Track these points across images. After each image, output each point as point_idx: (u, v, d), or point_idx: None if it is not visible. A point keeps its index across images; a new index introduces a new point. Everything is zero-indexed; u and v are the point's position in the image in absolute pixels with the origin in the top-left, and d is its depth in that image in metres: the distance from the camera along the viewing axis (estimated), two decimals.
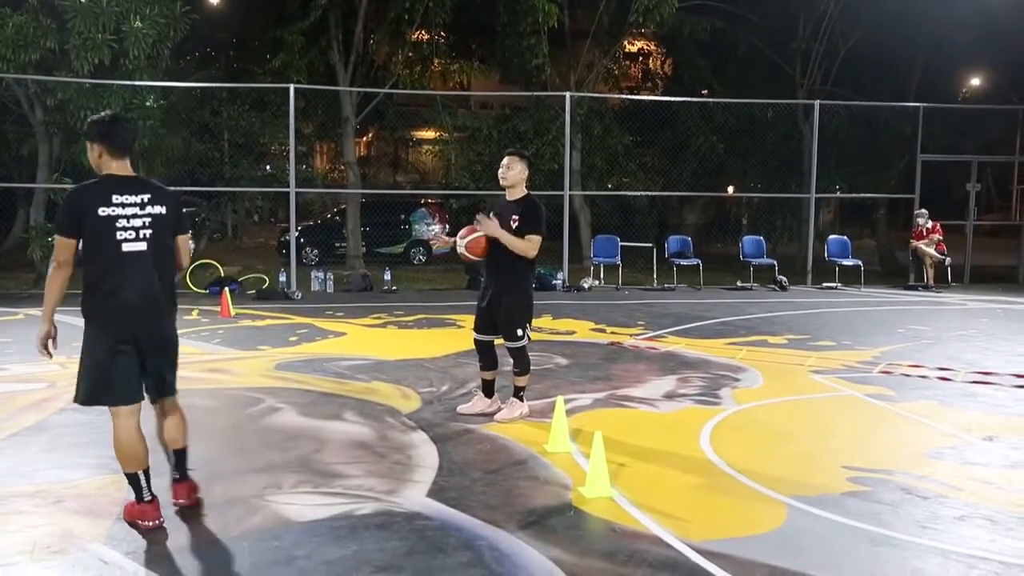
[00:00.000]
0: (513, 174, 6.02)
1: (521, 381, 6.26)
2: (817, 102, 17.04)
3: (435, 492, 4.73)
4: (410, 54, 19.06)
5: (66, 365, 7.81)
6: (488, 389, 6.35)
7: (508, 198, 6.12)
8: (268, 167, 24.73)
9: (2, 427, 5.85)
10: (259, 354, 8.60)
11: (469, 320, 11.01)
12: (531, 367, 6.32)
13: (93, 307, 4.17)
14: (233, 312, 11.16)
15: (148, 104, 14.73)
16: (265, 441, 5.64)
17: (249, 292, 13.64)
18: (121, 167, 4.25)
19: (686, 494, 4.77)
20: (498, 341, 6.23)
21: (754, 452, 5.55)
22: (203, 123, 20.23)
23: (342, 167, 20.99)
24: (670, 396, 7.04)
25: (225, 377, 7.49)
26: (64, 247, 4.11)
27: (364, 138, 32.72)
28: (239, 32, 22.19)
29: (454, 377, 7.63)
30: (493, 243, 5.98)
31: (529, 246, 5.92)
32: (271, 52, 18.85)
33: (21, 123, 15.77)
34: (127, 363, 4.19)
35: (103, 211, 4.09)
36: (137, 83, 14.31)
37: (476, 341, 6.24)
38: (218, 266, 14.73)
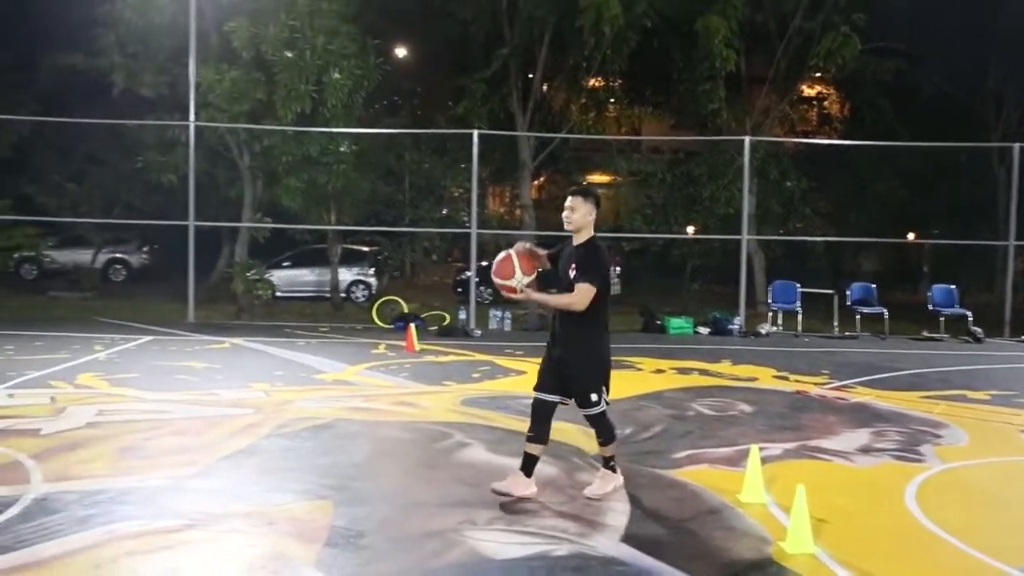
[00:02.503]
0: (578, 217, 5.08)
1: (608, 450, 5.32)
2: (1017, 145, 15.87)
3: (629, 537, 4.59)
4: (585, 100, 19.24)
5: (270, 393, 8.21)
6: (529, 467, 5.19)
7: (574, 243, 5.17)
8: (445, 210, 25.49)
9: (217, 449, 6.15)
10: (444, 389, 8.73)
11: (646, 362, 10.90)
12: (616, 433, 5.41)
13: None
14: (417, 347, 11.43)
15: (342, 149, 15.48)
16: (457, 476, 5.66)
17: (431, 328, 13.96)
18: None
19: (896, 556, 4.41)
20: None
21: (969, 516, 5.09)
22: (388, 167, 21.10)
23: (517, 209, 21.33)
24: (866, 450, 6.60)
25: (414, 410, 7.63)
26: None
27: (536, 182, 33.21)
28: (424, 81, 23.09)
29: (637, 420, 7.47)
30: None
31: (572, 300, 4.97)
32: (454, 100, 19.48)
33: (230, 168, 16.94)
34: None
35: None
36: (333, 130, 15.08)
37: (535, 401, 5.19)
38: (402, 303, 15.18)
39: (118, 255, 23.26)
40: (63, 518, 4.66)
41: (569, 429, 7.02)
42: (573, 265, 5.04)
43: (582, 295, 4.96)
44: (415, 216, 21.48)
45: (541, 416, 5.18)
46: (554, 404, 5.18)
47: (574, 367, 5.11)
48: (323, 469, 5.70)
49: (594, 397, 5.10)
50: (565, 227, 5.14)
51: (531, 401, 5.23)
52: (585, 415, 5.18)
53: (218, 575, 3.99)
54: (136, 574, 3.98)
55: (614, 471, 5.37)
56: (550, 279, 5.41)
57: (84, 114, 17.33)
